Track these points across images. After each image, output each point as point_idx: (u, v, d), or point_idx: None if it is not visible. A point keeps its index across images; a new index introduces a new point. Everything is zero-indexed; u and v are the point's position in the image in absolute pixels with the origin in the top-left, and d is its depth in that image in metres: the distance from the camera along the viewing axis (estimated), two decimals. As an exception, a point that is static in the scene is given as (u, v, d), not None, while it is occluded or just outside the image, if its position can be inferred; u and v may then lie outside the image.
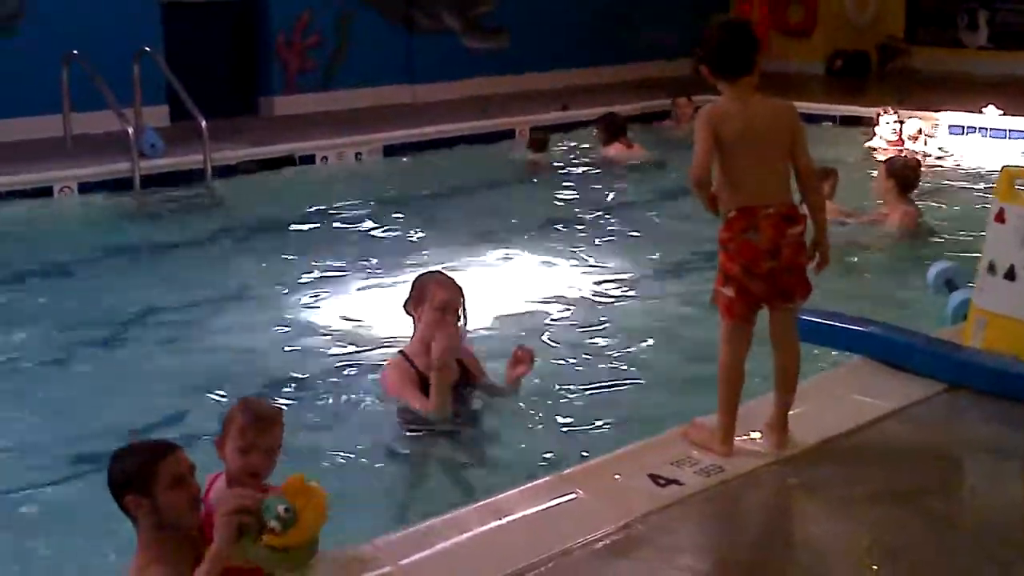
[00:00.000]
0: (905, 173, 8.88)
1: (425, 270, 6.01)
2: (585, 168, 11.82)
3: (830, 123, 14.64)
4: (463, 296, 5.55)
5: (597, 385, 6.18)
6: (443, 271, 6.00)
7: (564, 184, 11.24)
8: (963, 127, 13.90)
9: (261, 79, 14.43)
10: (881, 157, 11.03)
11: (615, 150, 11.91)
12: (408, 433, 5.42)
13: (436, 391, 5.31)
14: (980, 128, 13.77)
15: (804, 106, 14.48)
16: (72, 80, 11.33)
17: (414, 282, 5.67)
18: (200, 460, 3.67)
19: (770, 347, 4.54)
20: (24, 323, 7.08)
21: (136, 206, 10.35)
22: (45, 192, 10.26)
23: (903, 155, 9.87)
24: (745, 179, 4.35)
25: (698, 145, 4.36)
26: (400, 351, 5.66)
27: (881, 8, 19.47)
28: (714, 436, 4.50)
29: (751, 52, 4.48)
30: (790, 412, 4.66)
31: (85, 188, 10.48)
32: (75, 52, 11.22)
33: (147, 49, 11.65)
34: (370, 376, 6.08)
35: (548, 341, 6.85)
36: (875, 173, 9.39)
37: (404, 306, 5.65)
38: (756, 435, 4.61)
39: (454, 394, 5.41)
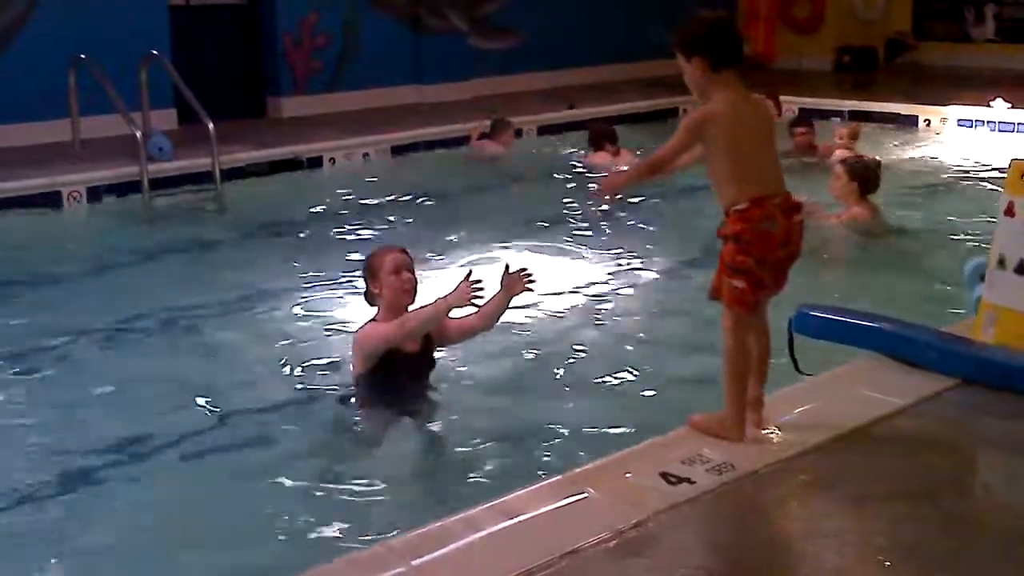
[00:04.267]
0: (867, 175, 8.83)
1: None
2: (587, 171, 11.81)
3: (838, 118, 14.63)
4: (408, 255, 5.84)
5: (606, 383, 6.18)
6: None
7: (572, 184, 11.23)
8: (971, 121, 13.91)
9: (269, 81, 14.45)
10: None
11: (599, 158, 11.87)
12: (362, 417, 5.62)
13: (421, 314, 5.55)
14: (988, 122, 13.77)
15: (812, 102, 14.68)
16: (80, 84, 11.36)
17: (363, 269, 5.91)
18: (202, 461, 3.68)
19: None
20: (33, 326, 7.10)
21: (145, 210, 10.37)
22: (54, 197, 10.27)
23: (861, 156, 9.63)
24: (755, 170, 4.38)
25: (680, 137, 4.40)
26: (371, 319, 5.80)
27: (888, 3, 19.46)
28: (724, 423, 4.51)
29: (741, 42, 4.53)
30: (801, 408, 4.84)
31: (94, 192, 10.49)
32: (82, 56, 11.25)
33: (155, 52, 11.67)
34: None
35: (556, 338, 6.86)
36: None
37: (365, 296, 5.88)
38: (768, 431, 4.61)
39: (413, 364, 5.69)
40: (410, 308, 5.73)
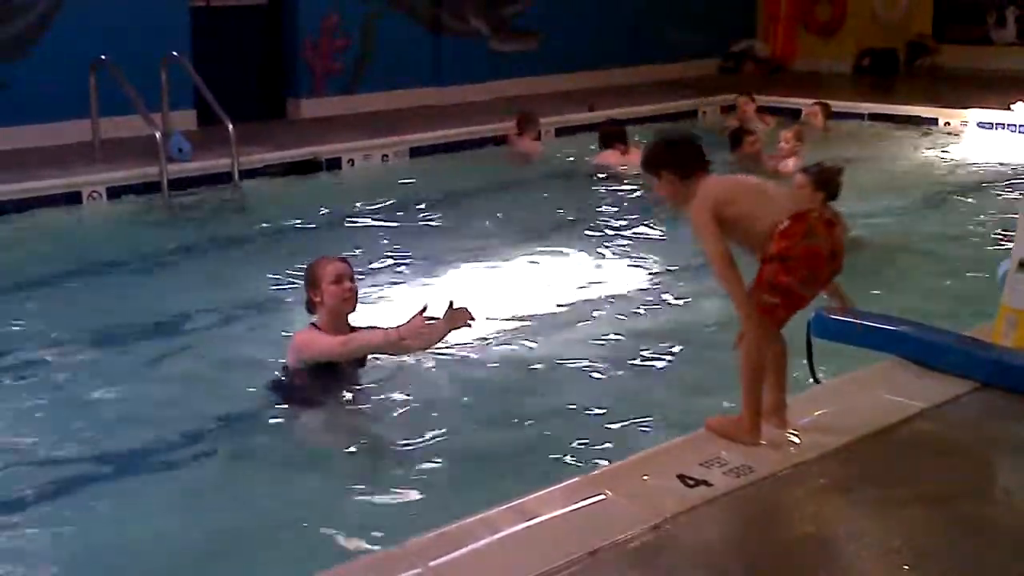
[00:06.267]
0: (831, 183, 8.52)
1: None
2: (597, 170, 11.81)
3: (858, 121, 14.61)
4: (349, 265, 6.04)
5: (624, 385, 6.18)
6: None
7: (591, 187, 11.23)
8: (992, 124, 13.86)
9: (288, 82, 14.48)
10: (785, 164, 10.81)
11: (608, 157, 11.81)
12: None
13: (369, 338, 5.77)
14: (1009, 124, 13.72)
15: (832, 104, 14.58)
16: (101, 85, 11.40)
17: (304, 278, 6.08)
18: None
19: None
20: (52, 326, 7.11)
21: (164, 210, 10.40)
22: (74, 197, 10.31)
23: (821, 163, 9.23)
24: (775, 200, 4.48)
25: (711, 242, 4.38)
26: (311, 323, 5.99)
27: (909, 5, 19.39)
28: (742, 427, 4.51)
29: (702, 151, 4.62)
30: (820, 411, 4.85)
31: (114, 193, 10.53)
32: (103, 57, 11.29)
33: (175, 54, 11.70)
34: (398, 374, 6.11)
35: (576, 341, 6.85)
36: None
37: (307, 305, 6.06)
38: (791, 435, 4.60)
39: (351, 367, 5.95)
40: (351, 317, 5.95)
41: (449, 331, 5.95)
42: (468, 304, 5.84)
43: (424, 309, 5.59)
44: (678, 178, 4.52)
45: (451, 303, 5.90)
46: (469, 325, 5.98)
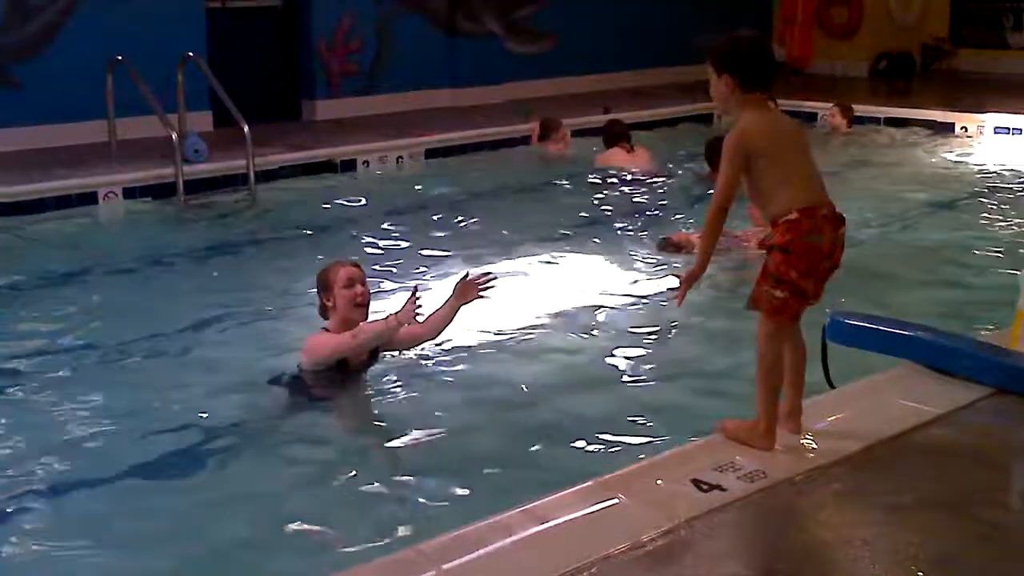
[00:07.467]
0: None
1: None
2: (626, 172, 11.78)
3: (875, 124, 14.58)
4: (361, 269, 6.10)
5: (638, 390, 6.17)
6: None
7: (605, 189, 11.21)
8: (1009, 128, 13.82)
9: (304, 84, 14.50)
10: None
11: (614, 157, 11.77)
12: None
13: (374, 328, 5.82)
14: (1026, 129, 13.69)
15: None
16: (117, 86, 11.43)
17: (316, 282, 6.13)
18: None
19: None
20: (67, 327, 7.14)
21: (180, 211, 10.42)
22: (90, 197, 10.34)
23: None
24: (800, 178, 4.36)
25: (728, 169, 4.33)
26: (323, 328, 6.05)
27: (926, 9, 19.35)
28: (755, 432, 4.50)
29: (773, 65, 4.52)
30: (834, 417, 4.84)
31: (130, 193, 10.55)
32: (120, 58, 11.32)
33: (191, 55, 11.72)
34: (410, 376, 6.11)
35: (587, 343, 6.85)
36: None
37: (320, 310, 6.13)
38: (807, 440, 4.59)
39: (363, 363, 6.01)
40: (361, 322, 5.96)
41: (460, 307, 5.97)
42: (481, 277, 5.86)
43: (415, 291, 5.62)
44: (737, 86, 4.38)
45: (466, 274, 5.91)
46: (482, 296, 5.99)
